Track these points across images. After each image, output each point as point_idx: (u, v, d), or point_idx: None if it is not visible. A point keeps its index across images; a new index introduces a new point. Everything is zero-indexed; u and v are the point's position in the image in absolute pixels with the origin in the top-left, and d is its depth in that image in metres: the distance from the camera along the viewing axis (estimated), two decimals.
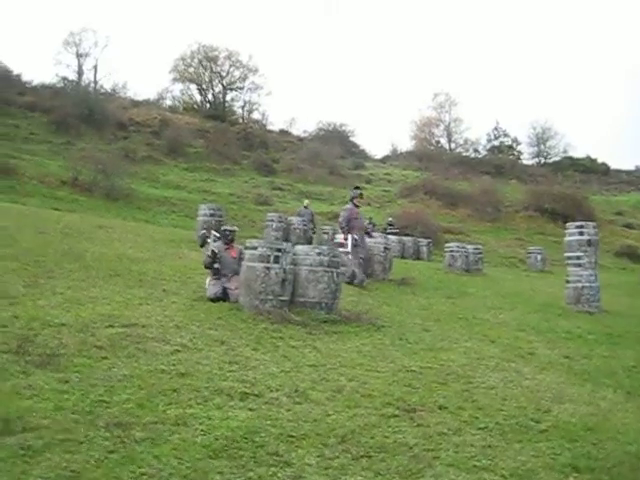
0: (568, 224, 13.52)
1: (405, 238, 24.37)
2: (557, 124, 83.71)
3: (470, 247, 19.68)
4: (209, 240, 9.60)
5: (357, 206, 12.84)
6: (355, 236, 12.35)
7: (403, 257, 22.73)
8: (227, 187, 36.42)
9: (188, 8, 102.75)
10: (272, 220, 19.27)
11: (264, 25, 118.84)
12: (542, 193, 41.94)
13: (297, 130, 61.20)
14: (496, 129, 66.94)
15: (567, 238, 13.23)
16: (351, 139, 62.02)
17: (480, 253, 19.85)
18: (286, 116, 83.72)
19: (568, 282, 13.02)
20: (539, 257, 24.73)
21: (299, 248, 8.81)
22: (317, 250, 8.62)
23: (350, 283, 11.83)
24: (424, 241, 24.70)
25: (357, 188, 13.43)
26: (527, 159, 67.52)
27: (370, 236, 13.90)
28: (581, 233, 12.96)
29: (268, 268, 8.11)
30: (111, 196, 27.03)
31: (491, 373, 6.72)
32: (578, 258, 12.91)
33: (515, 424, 5.11)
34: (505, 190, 45.34)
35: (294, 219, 20.17)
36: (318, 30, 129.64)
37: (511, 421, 5.17)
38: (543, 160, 67.14)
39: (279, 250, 8.22)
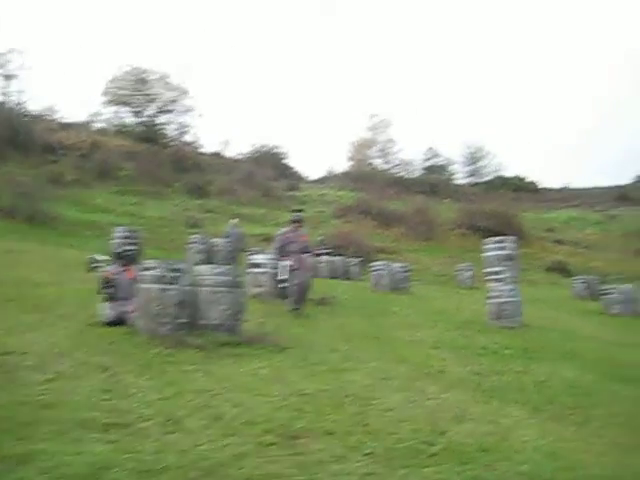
0: (487, 240, 13.41)
1: (335, 258, 24.11)
2: (489, 144, 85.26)
3: (397, 265, 19.48)
4: (97, 265, 9.14)
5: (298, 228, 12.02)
6: (289, 263, 11.59)
7: (333, 277, 22.44)
8: (157, 210, 35.67)
9: (118, 30, 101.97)
10: (195, 242, 18.77)
11: (196, 47, 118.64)
12: (474, 211, 42.41)
13: (231, 152, 60.83)
14: (430, 149, 67.82)
15: (486, 254, 13.11)
16: (285, 161, 61.89)
17: (407, 271, 19.66)
18: (220, 138, 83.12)
19: (489, 298, 12.90)
20: (468, 274, 24.78)
21: (199, 268, 8.41)
22: (218, 270, 8.22)
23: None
24: (354, 260, 24.46)
25: (298, 211, 12.62)
26: (461, 178, 68.59)
27: (317, 255, 13.11)
28: (500, 248, 12.85)
29: (164, 289, 7.67)
30: (34, 220, 26.04)
31: (393, 394, 6.40)
32: (498, 273, 12.80)
33: (405, 448, 4.80)
34: (439, 209, 45.67)
35: (218, 240, 19.69)
36: (252, 51, 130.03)
37: (401, 445, 4.85)
38: (476, 179, 68.19)
39: (176, 270, 7.79)
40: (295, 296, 11.42)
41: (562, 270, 35.82)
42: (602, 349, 11.31)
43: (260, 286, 12.70)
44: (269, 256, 13.07)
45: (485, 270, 13.24)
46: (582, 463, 4.98)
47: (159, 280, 7.67)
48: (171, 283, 7.69)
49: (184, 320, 7.78)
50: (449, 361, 8.61)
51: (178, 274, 7.77)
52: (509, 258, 12.78)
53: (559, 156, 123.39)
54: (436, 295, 19.63)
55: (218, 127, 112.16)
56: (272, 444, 4.52)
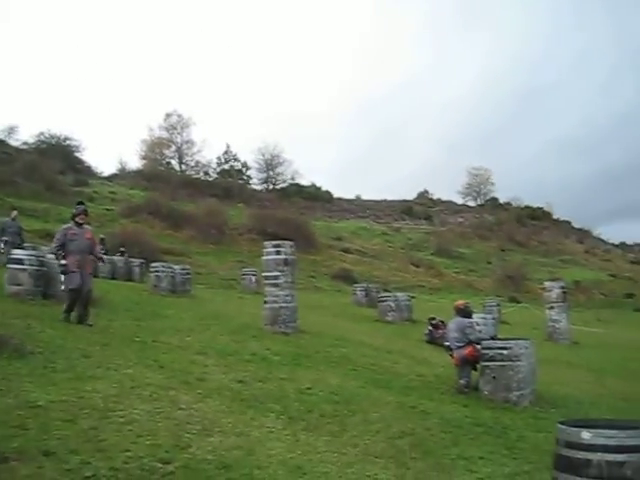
0: (266, 243, 13.20)
1: (116, 258, 22.98)
2: (285, 152, 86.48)
3: (177, 268, 18.85)
4: None
5: (80, 224, 10.52)
6: (63, 262, 10.23)
7: (114, 278, 21.32)
8: None
9: None
10: None
11: None
12: (266, 217, 42.72)
13: (16, 141, 56.34)
14: (226, 153, 67.52)
15: (265, 257, 12.89)
16: (76, 154, 58.56)
17: (188, 274, 19.11)
18: (5, 124, 76.05)
19: (266, 302, 12.68)
20: (253, 278, 24.66)
21: None
22: None
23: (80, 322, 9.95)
24: (136, 261, 23.45)
25: (80, 204, 11.20)
26: (256, 184, 68.95)
27: (102, 261, 11.86)
28: (278, 252, 12.68)
29: None
30: None
31: (140, 404, 5.84)
32: (275, 278, 12.62)
33: (136, 468, 4.30)
34: (231, 213, 45.46)
35: None
36: (47, 36, 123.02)
37: (133, 464, 4.34)
38: (272, 186, 68.93)
39: None
40: (68, 301, 10.22)
41: (347, 278, 36.88)
42: (371, 355, 11.46)
43: (19, 284, 11.54)
44: (31, 252, 11.94)
45: (263, 274, 13.04)
46: (327, 476, 4.75)
47: None
48: None
49: None
50: (212, 368, 8.17)
51: None
52: (286, 263, 12.64)
53: (354, 169, 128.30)
54: (218, 299, 19.24)
55: (4, 113, 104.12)
56: None
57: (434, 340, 15.27)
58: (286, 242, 13.00)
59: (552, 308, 20.45)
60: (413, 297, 30.45)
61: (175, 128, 67.44)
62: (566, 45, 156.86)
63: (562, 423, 4.04)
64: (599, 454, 3.69)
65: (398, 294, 20.78)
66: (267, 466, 4.73)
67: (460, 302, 10.51)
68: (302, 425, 6.14)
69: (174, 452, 4.71)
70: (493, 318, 16.65)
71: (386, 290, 27.71)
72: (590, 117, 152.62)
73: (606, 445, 3.70)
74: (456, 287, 44.39)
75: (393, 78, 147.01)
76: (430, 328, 15.89)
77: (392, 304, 19.19)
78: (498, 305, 25.92)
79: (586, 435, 3.76)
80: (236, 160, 68.37)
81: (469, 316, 10.22)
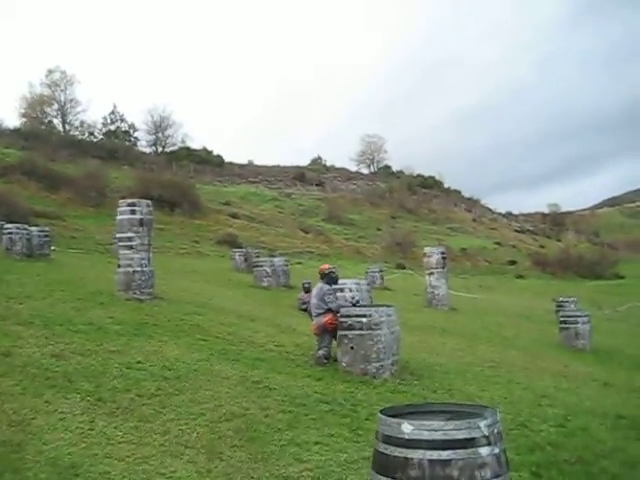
0: (120, 202, 11.99)
1: None
2: (175, 114, 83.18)
3: (34, 229, 17.33)
4: None
5: None
6: None
7: None
8: None
9: None
10: None
11: None
12: (150, 180, 40.86)
13: None
14: (113, 113, 64.55)
15: (119, 217, 11.69)
16: None
17: (47, 236, 17.61)
18: None
19: (119, 266, 11.55)
20: None
21: None
22: None
23: None
24: None
25: None
26: (144, 146, 66.38)
27: None
28: (133, 212, 11.51)
29: None
30: None
31: None
32: (129, 239, 11.49)
33: None
34: (114, 175, 43.35)
35: None
36: None
37: None
38: (161, 148, 66.58)
39: None
40: None
41: (232, 243, 35.77)
42: (230, 324, 10.53)
43: None
44: None
45: (117, 235, 11.88)
46: (105, 477, 3.83)
47: None
48: None
49: None
50: (29, 340, 7.09)
51: None
52: (141, 223, 11.49)
53: (247, 134, 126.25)
54: (82, 263, 17.85)
55: None
56: None
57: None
58: (142, 201, 11.83)
59: (432, 274, 20.05)
60: (299, 263, 29.85)
61: (58, 85, 63.77)
62: (469, 22, 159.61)
63: (383, 412, 3.26)
64: (421, 451, 2.93)
65: (275, 259, 19.95)
66: (30, 467, 3.78)
67: (325, 266, 9.68)
68: (109, 408, 5.20)
69: None
70: (368, 284, 16.01)
71: (272, 256, 26.84)
72: (486, 92, 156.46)
73: (430, 440, 2.94)
74: (345, 253, 44.04)
75: (297, 40, 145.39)
76: (303, 294, 15.05)
77: (268, 269, 18.35)
78: (381, 271, 25.55)
79: (407, 428, 2.99)
80: (123, 121, 65.45)
81: (334, 281, 9.42)
